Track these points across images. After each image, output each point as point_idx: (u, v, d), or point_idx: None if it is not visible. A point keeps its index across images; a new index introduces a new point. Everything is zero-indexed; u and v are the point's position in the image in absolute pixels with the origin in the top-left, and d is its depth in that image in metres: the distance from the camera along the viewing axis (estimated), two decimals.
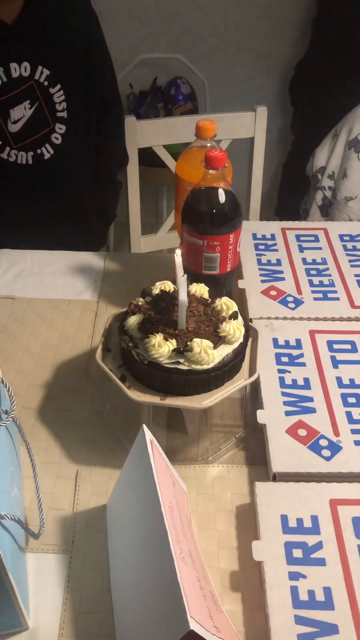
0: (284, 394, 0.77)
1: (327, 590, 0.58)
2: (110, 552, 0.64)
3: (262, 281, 0.96)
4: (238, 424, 0.78)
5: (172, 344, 0.67)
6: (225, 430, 0.77)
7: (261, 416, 0.73)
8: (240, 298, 0.92)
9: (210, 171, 0.78)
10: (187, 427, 0.76)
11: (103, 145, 1.32)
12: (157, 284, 0.76)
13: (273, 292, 0.93)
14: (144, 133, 1.35)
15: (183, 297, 0.65)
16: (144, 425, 0.60)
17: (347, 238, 1.06)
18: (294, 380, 0.78)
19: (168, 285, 0.76)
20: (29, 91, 1.15)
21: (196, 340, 0.67)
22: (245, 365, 0.73)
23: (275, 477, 0.68)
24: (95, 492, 0.70)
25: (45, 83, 1.15)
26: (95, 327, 0.92)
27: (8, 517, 0.52)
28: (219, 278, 0.84)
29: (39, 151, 1.20)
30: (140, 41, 2.10)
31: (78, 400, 0.81)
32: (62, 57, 1.16)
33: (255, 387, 0.78)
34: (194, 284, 0.76)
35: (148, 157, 1.42)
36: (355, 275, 0.97)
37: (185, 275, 0.66)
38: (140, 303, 0.73)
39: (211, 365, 0.68)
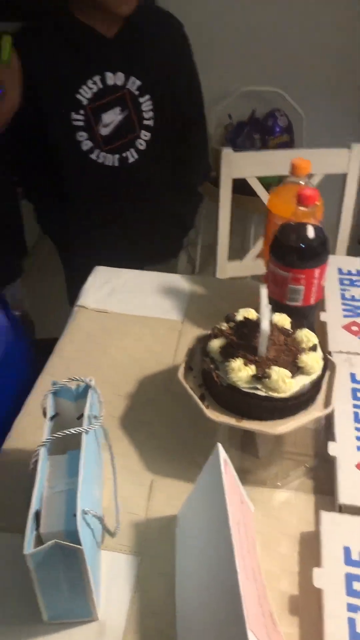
0: (357, 429, 0.78)
1: None
2: (177, 560, 0.68)
3: (345, 316, 0.97)
4: (309, 454, 0.80)
5: (251, 370, 0.71)
6: (296, 459, 0.79)
7: (333, 448, 0.75)
8: (321, 331, 0.95)
9: (301, 208, 0.81)
10: (260, 451, 0.78)
11: (186, 156, 1.43)
12: (241, 310, 0.80)
13: (354, 328, 0.95)
14: (239, 164, 1.40)
15: (265, 325, 0.69)
16: (219, 444, 0.64)
17: None
18: None
19: (252, 313, 0.80)
20: (121, 99, 1.29)
21: (275, 368, 0.71)
22: (321, 397, 0.76)
23: (341, 509, 0.69)
24: (168, 502, 0.74)
25: (136, 92, 1.30)
26: (178, 346, 0.98)
27: (91, 513, 0.58)
28: (302, 310, 0.87)
29: (124, 155, 1.34)
30: (242, 73, 2.18)
31: (158, 413, 0.86)
32: (153, 71, 1.30)
33: (329, 419, 0.80)
34: (277, 313, 0.80)
35: (240, 185, 1.47)
36: None
37: (270, 306, 0.70)
38: (223, 328, 0.78)
39: (288, 394, 0.70)
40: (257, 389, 0.71)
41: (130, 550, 0.69)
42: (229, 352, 0.73)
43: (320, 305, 0.92)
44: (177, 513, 0.72)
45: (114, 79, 1.27)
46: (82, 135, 1.29)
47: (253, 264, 1.51)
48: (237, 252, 1.52)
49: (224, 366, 0.72)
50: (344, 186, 1.44)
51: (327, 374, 0.77)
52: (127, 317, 1.04)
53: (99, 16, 1.21)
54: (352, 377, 0.86)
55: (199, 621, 0.58)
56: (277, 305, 0.87)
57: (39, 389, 0.89)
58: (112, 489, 0.72)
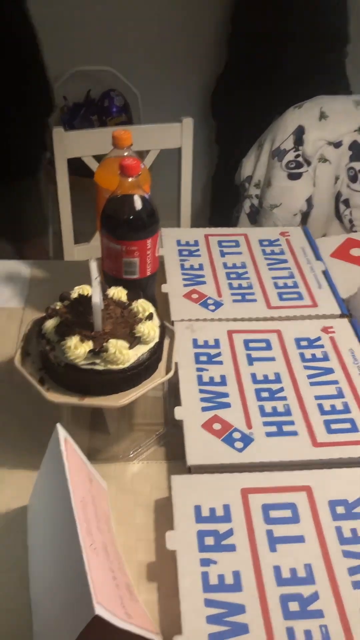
0: (201, 390, 0.80)
1: (236, 574, 0.61)
2: (29, 551, 0.65)
3: (185, 285, 0.99)
4: (159, 422, 0.81)
5: (88, 346, 0.69)
6: (147, 429, 0.80)
7: (179, 412, 0.76)
8: (164, 302, 0.95)
9: (125, 178, 0.81)
10: (109, 427, 0.78)
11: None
12: (76, 288, 0.78)
13: (195, 296, 0.97)
14: (72, 143, 1.37)
15: (96, 299, 0.68)
16: (58, 425, 0.62)
17: (266, 243, 1.11)
18: (211, 378, 0.82)
19: (86, 289, 0.78)
20: None
21: (112, 341, 0.70)
22: (163, 365, 0.76)
23: (191, 470, 0.71)
24: (16, 494, 0.71)
25: None
26: (20, 334, 0.93)
27: None
28: (140, 282, 0.87)
29: None
30: (73, 53, 2.13)
31: (4, 410, 0.81)
32: None
33: (176, 385, 0.81)
34: (113, 287, 0.79)
35: (81, 167, 1.44)
36: (273, 278, 1.02)
37: (98, 278, 0.69)
38: (58, 307, 0.75)
39: (127, 364, 0.70)
40: (95, 364, 0.70)
41: None
42: (64, 331, 0.71)
43: (158, 276, 0.93)
44: (27, 504, 0.70)
45: None
46: None
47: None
48: (90, 236, 1.49)
49: (60, 346, 0.70)
50: (180, 160, 1.46)
51: (167, 341, 0.78)
52: None
53: None
54: (194, 342, 0.88)
55: (50, 607, 0.56)
56: (115, 281, 0.87)
57: None
58: None
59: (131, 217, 0.83)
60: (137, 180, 0.81)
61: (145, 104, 2.22)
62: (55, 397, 0.70)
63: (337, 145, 1.47)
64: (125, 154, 0.88)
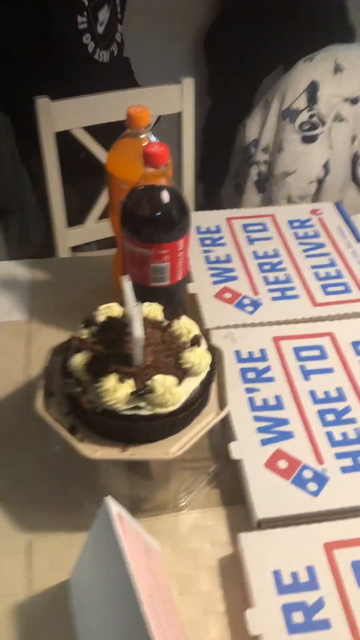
0: (256, 418, 0.68)
1: None
2: (78, 637, 0.54)
3: (214, 282, 0.86)
4: (207, 457, 0.69)
5: (129, 386, 0.56)
6: (195, 467, 0.68)
7: (235, 450, 0.64)
8: (192, 304, 0.82)
9: (152, 169, 0.66)
10: (152, 471, 0.66)
11: None
12: (102, 308, 0.64)
13: (227, 295, 0.84)
14: (59, 114, 1.19)
15: (138, 332, 0.54)
16: (108, 498, 0.49)
17: (297, 224, 0.97)
18: (265, 400, 0.70)
19: (115, 309, 0.64)
20: None
21: (157, 378, 0.57)
22: (213, 394, 0.64)
23: (260, 524, 0.59)
24: (54, 566, 0.59)
25: None
26: (29, 354, 0.80)
27: None
28: (169, 289, 0.74)
29: (111, 49, 1.39)
30: None
31: (19, 450, 0.69)
32: None
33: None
34: (146, 303, 0.65)
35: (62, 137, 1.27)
36: (312, 267, 0.89)
37: (139, 306, 0.55)
38: (85, 336, 0.62)
39: (177, 405, 0.57)
40: (139, 407, 0.57)
41: None
42: (97, 368, 0.58)
43: (188, 277, 0.79)
44: (68, 578, 0.58)
45: None
46: (87, 38, 1.32)
47: (97, 226, 1.34)
48: (77, 212, 1.33)
49: (94, 388, 0.57)
50: (180, 127, 1.30)
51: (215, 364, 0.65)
52: None
53: None
54: (237, 355, 0.75)
55: None
56: (140, 289, 0.72)
57: None
58: None
59: (160, 215, 0.68)
60: (166, 169, 0.66)
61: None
62: (92, 450, 0.57)
63: (355, 101, 1.32)
64: (143, 135, 0.73)
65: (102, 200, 1.31)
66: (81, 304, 0.86)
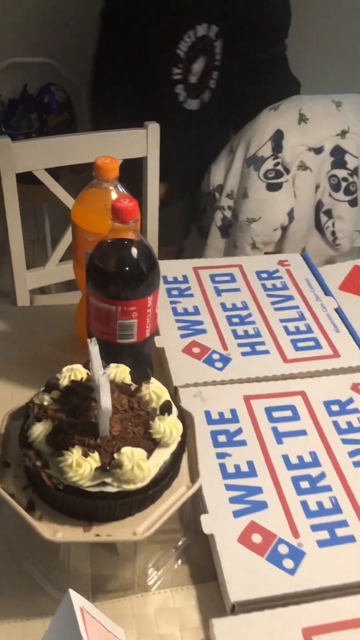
0: (228, 487, 0.64)
1: None
2: None
3: (182, 336, 0.83)
4: (176, 528, 0.64)
5: (94, 460, 0.52)
6: (163, 539, 0.63)
7: (206, 524, 0.60)
8: (158, 358, 0.79)
9: (120, 225, 0.63)
10: (118, 546, 0.61)
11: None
12: (65, 370, 0.60)
13: (196, 350, 0.81)
14: (21, 156, 1.16)
15: (106, 403, 0.50)
16: (71, 591, 0.44)
17: (265, 275, 0.96)
18: (237, 467, 0.66)
19: (79, 372, 0.60)
20: (204, 47, 1.39)
21: (125, 451, 0.52)
22: (184, 464, 0.60)
23: (234, 608, 0.55)
24: None
25: (213, 38, 1.39)
26: None
27: None
28: (137, 346, 0.70)
29: (202, 97, 1.46)
30: (6, 43, 1.89)
31: None
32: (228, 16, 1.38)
33: None
34: (113, 365, 0.61)
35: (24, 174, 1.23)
36: (282, 321, 0.87)
37: (107, 374, 0.51)
38: (46, 402, 0.57)
39: (147, 480, 0.53)
40: (106, 484, 0.52)
41: None
42: (59, 440, 0.53)
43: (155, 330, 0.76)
44: None
45: (202, 30, 1.36)
46: (179, 88, 1.39)
47: (58, 269, 1.29)
48: (34, 244, 1.28)
49: (56, 462, 0.52)
50: (145, 173, 1.28)
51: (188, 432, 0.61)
52: None
53: None
54: (207, 416, 0.72)
55: None
56: (106, 346, 0.69)
57: None
58: None
59: (128, 270, 0.65)
60: (135, 224, 0.63)
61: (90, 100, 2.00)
62: (52, 530, 0.52)
63: (318, 151, 1.33)
64: (111, 187, 0.70)
65: (65, 241, 1.27)
66: (42, 356, 0.82)
